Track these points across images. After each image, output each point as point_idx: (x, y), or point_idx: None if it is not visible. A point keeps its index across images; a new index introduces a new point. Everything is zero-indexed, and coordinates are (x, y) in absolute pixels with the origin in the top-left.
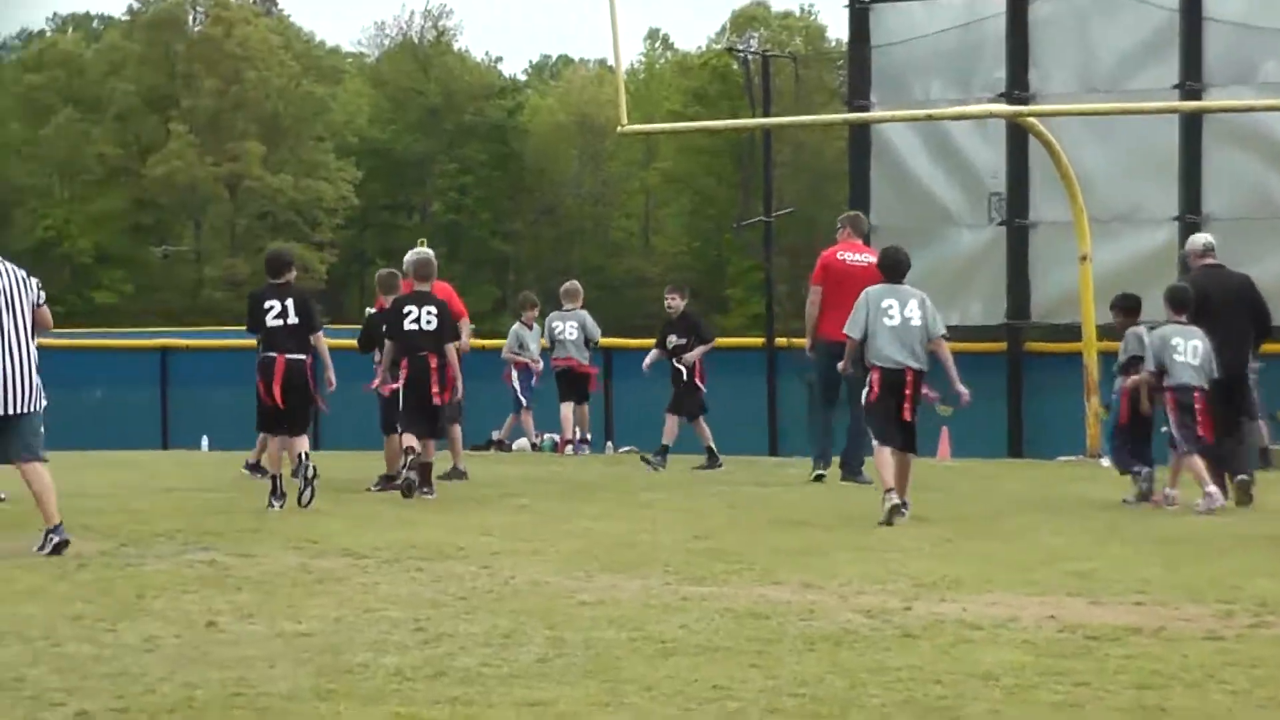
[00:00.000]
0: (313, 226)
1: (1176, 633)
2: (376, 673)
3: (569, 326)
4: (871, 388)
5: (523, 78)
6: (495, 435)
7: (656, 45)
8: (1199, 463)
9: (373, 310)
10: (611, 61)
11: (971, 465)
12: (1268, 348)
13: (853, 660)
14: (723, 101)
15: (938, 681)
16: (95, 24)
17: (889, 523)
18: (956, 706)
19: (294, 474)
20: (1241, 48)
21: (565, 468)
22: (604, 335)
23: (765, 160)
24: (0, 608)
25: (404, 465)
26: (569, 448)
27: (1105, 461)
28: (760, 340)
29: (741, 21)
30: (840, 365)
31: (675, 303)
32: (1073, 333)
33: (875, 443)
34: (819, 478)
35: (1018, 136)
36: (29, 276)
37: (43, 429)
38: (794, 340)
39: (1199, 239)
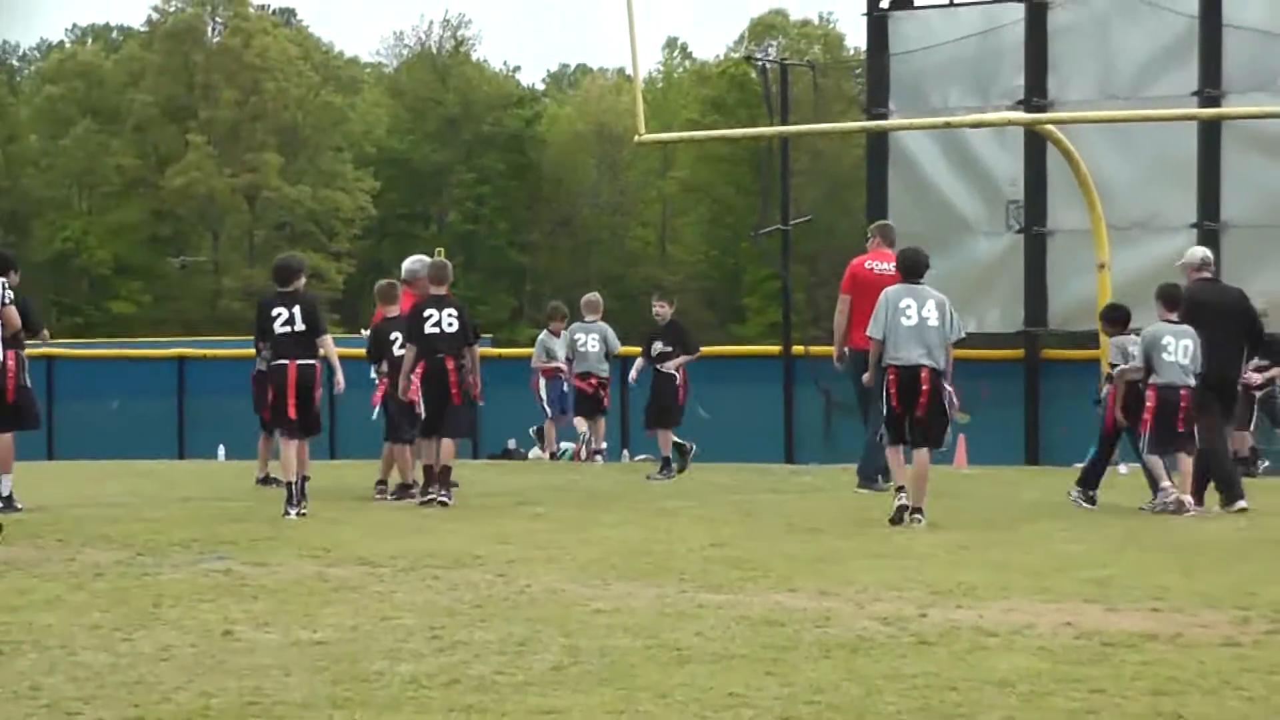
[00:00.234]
0: (330, 237)
1: (1193, 639)
2: (392, 681)
3: (591, 339)
4: (888, 388)
5: (541, 87)
6: (511, 444)
7: (674, 54)
8: (1159, 463)
9: (375, 323)
10: (629, 71)
11: (988, 472)
12: None
13: (868, 667)
14: (740, 110)
15: (953, 688)
16: (114, 35)
17: (898, 520)
18: (972, 713)
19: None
20: (1261, 54)
21: (582, 476)
22: (622, 344)
23: (783, 169)
24: (17, 617)
25: (429, 474)
26: (598, 457)
27: (1123, 468)
28: (777, 349)
29: (759, 30)
30: (865, 377)
31: (663, 310)
32: (1090, 340)
33: (886, 442)
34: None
35: (1036, 144)
36: None
37: None
38: (811, 348)
39: (1196, 252)
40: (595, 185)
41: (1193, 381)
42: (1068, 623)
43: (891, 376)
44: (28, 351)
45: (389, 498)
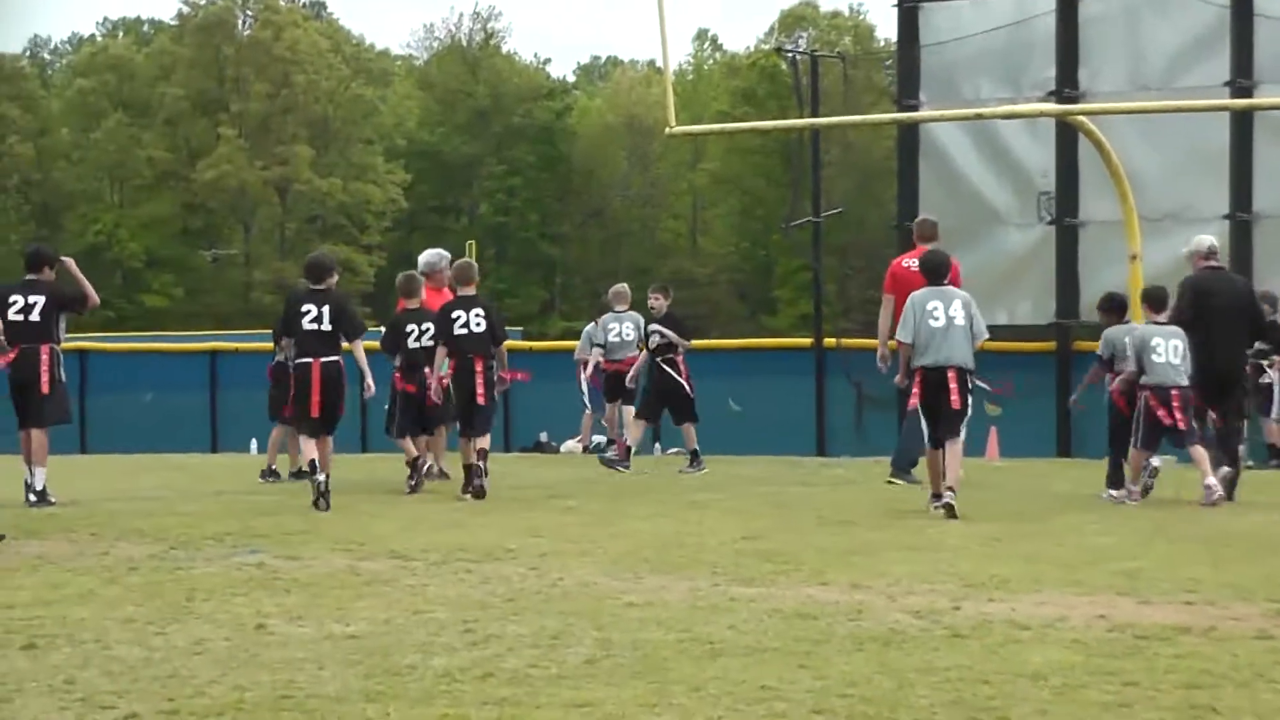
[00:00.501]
0: (361, 230)
1: (1226, 632)
2: (425, 674)
3: (625, 327)
4: (917, 390)
5: (571, 79)
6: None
7: (705, 46)
8: (1139, 459)
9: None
10: (660, 63)
11: (1020, 464)
12: None
13: (901, 660)
14: (771, 102)
15: (986, 681)
16: (145, 28)
17: (953, 514)
18: (1005, 707)
19: (299, 474)
20: None
21: (613, 469)
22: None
23: (813, 160)
24: (51, 611)
25: (468, 471)
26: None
27: (1156, 460)
28: (809, 341)
29: (790, 22)
30: (897, 378)
31: (658, 302)
32: None
33: (927, 445)
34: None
35: (1067, 135)
36: None
37: None
38: (843, 340)
39: (1204, 240)
40: (626, 177)
41: (1184, 381)
42: (1100, 615)
43: (920, 378)
44: (62, 345)
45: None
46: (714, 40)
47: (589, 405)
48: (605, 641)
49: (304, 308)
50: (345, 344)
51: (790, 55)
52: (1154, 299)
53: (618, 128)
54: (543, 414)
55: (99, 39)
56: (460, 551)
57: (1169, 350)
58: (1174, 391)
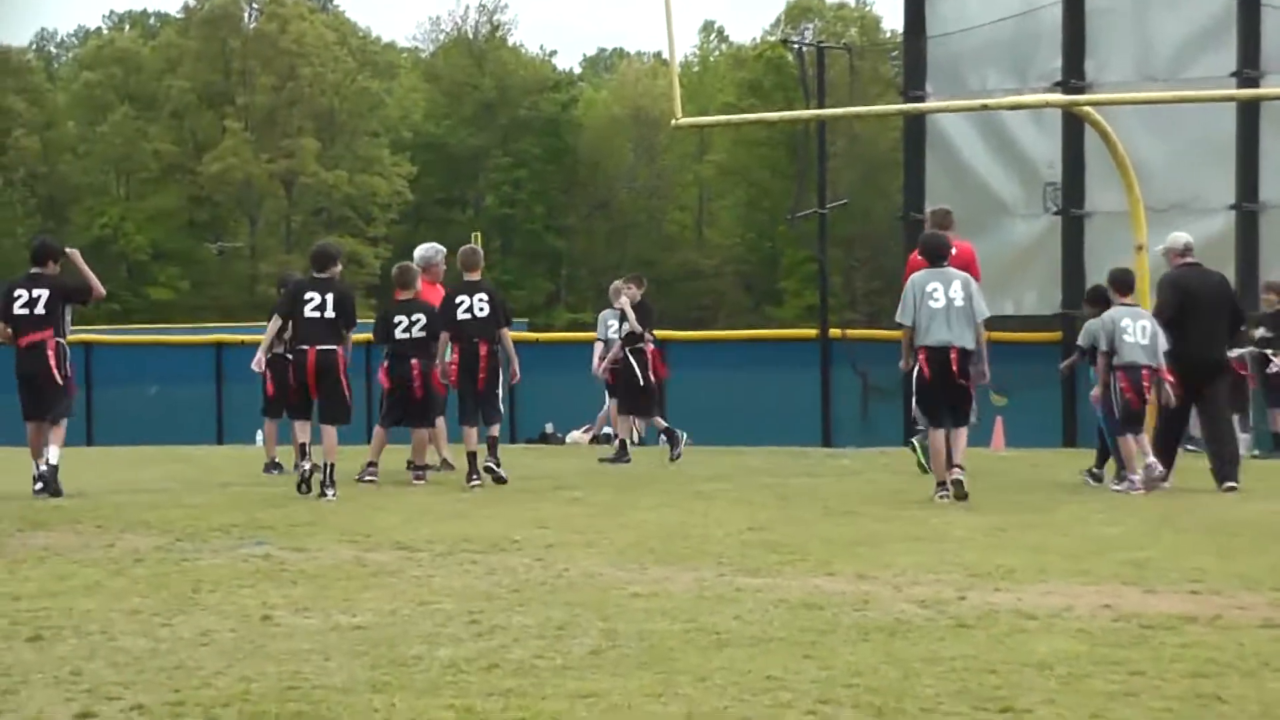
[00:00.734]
0: (367, 222)
1: (1232, 621)
2: (431, 665)
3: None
4: (921, 369)
5: (577, 71)
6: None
7: (711, 38)
8: (1132, 444)
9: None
10: (666, 54)
11: (1026, 454)
12: None
13: (907, 650)
14: (777, 93)
15: (992, 671)
16: (151, 21)
17: (962, 496)
18: (1011, 696)
19: (299, 467)
20: None
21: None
22: (657, 329)
23: (819, 152)
24: (57, 603)
25: (472, 459)
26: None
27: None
28: (814, 332)
29: (796, 13)
30: (901, 363)
31: (631, 292)
32: None
33: (928, 428)
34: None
35: (1073, 126)
36: None
37: None
38: (848, 332)
39: (1180, 238)
40: (632, 169)
41: (1155, 362)
42: (1106, 605)
43: (923, 357)
44: (68, 339)
45: (413, 481)
46: (720, 32)
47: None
48: (611, 632)
49: (307, 295)
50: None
51: (796, 47)
52: (1120, 282)
53: (624, 120)
54: (548, 405)
55: (105, 32)
56: (466, 542)
57: (1137, 331)
58: (1144, 371)
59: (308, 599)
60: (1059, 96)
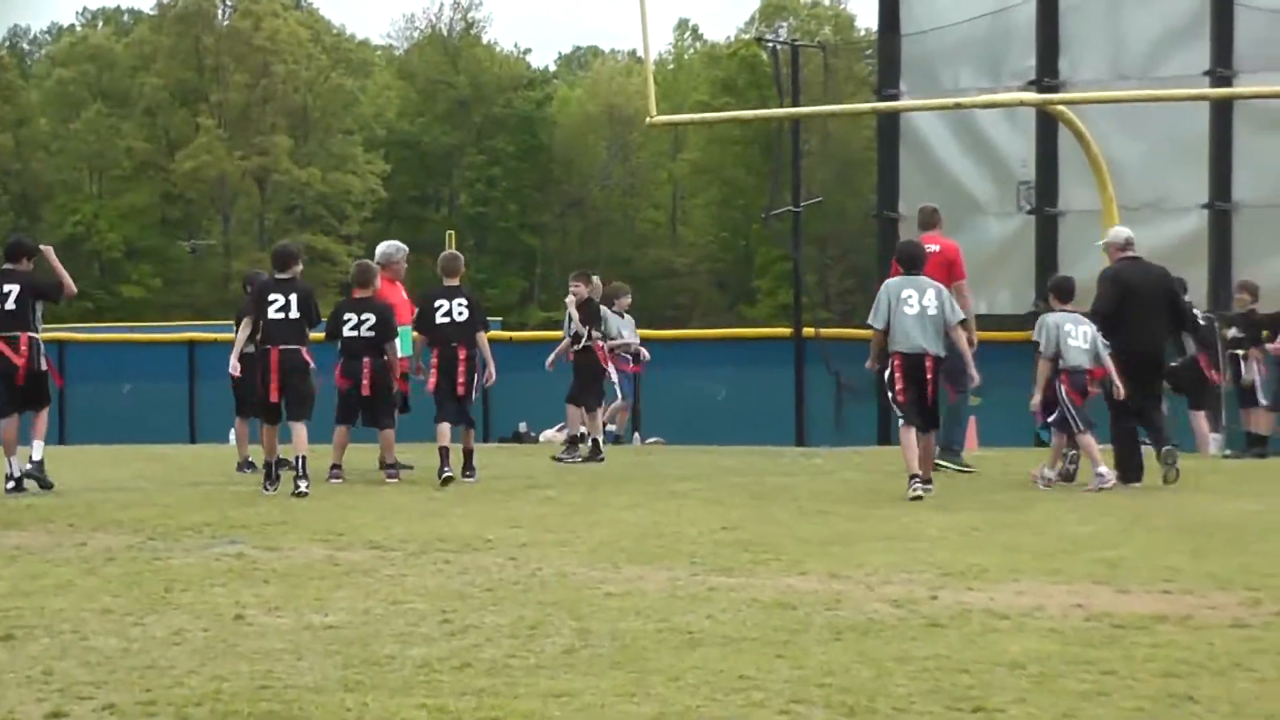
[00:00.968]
0: (340, 220)
1: (1203, 621)
2: (403, 664)
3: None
4: (894, 374)
5: (552, 69)
6: (522, 427)
7: (685, 36)
8: (1092, 442)
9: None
10: (640, 53)
11: (999, 454)
12: None
13: (879, 650)
14: (751, 91)
15: (964, 670)
16: (125, 18)
17: (919, 497)
18: (983, 695)
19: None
20: (1273, 34)
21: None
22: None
23: (794, 150)
24: (29, 602)
25: (443, 456)
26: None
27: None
28: (788, 330)
29: (770, 11)
30: (868, 363)
31: (579, 289)
32: None
33: (901, 424)
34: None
35: (1047, 124)
36: None
37: None
38: (822, 330)
39: (1121, 232)
40: (606, 167)
41: (1096, 365)
42: (1078, 605)
43: (898, 363)
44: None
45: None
46: (695, 30)
47: (620, 395)
48: (584, 631)
49: (271, 297)
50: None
51: (771, 45)
52: (1062, 289)
53: (598, 117)
54: (522, 404)
55: (78, 29)
56: (439, 542)
57: (1080, 335)
58: (1087, 374)
59: (280, 598)
60: (1032, 95)
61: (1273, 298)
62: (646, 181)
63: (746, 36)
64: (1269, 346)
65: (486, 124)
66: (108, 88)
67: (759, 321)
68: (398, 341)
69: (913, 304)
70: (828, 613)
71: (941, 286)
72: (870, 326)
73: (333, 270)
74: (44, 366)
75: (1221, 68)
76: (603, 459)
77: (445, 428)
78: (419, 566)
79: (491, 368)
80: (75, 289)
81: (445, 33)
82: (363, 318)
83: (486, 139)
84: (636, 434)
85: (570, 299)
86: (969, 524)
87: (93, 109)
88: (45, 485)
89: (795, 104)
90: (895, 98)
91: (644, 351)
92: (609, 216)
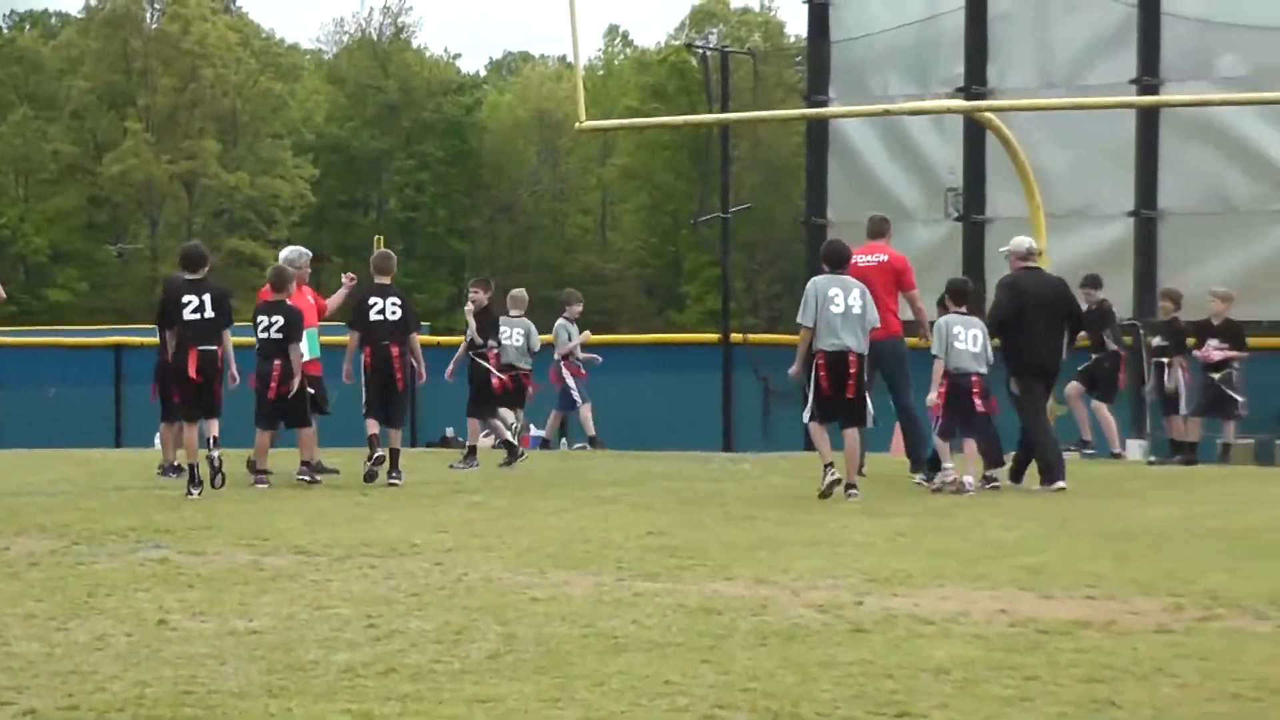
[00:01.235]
0: (269, 224)
1: (1126, 626)
2: (328, 670)
3: (515, 333)
4: (818, 372)
5: (482, 74)
6: (449, 432)
7: (615, 41)
8: (945, 447)
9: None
10: (570, 58)
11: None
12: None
13: (804, 655)
14: (681, 98)
15: (889, 676)
16: (52, 21)
17: (828, 494)
18: (908, 701)
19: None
20: (1199, 43)
21: (519, 464)
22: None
23: (723, 156)
24: None
25: (370, 455)
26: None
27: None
28: (716, 336)
29: (700, 18)
30: (791, 370)
31: (478, 296)
32: None
33: (814, 422)
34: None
35: (975, 132)
36: None
37: None
38: (750, 336)
39: (1023, 241)
40: (535, 172)
41: (984, 369)
42: (1002, 610)
43: (821, 361)
44: None
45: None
46: (624, 36)
47: (579, 400)
48: (509, 637)
49: (185, 298)
50: None
51: (700, 51)
52: (957, 292)
53: (527, 123)
54: (450, 409)
55: (5, 31)
56: (364, 547)
57: (969, 339)
58: (973, 378)
59: (204, 603)
60: (960, 102)
61: (1196, 305)
62: (576, 187)
63: (676, 43)
64: (1195, 353)
65: (416, 129)
66: (34, 90)
67: (687, 327)
68: (304, 345)
69: (839, 303)
70: (753, 618)
71: (865, 288)
72: (800, 325)
73: (260, 276)
74: None
75: (1148, 76)
76: (524, 455)
77: (373, 422)
78: (344, 571)
79: (422, 368)
80: (3, 293)
81: (375, 37)
82: (273, 319)
83: (416, 144)
84: (564, 439)
85: (469, 307)
86: (895, 529)
87: (19, 112)
88: None
89: (724, 110)
90: (824, 104)
91: (596, 357)
92: (538, 222)
